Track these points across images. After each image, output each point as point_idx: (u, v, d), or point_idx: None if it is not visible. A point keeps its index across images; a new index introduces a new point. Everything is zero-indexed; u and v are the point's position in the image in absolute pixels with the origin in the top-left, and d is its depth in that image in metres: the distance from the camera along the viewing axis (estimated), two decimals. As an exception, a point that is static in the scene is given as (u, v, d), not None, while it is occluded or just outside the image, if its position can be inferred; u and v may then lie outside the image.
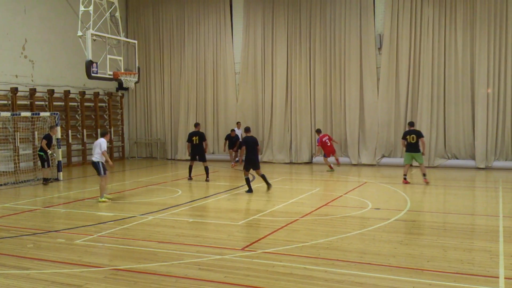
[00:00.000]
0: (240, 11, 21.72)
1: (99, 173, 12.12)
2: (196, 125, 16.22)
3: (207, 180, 15.46)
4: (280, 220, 9.76)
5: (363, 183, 15.08)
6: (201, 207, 11.48)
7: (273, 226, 9.24)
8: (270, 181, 13.55)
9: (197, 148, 15.54)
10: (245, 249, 7.69)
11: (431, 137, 18.56)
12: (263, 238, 8.35)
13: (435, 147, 18.71)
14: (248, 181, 13.19)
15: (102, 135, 12.39)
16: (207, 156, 16.24)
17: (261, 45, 21.28)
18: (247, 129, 13.73)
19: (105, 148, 12.06)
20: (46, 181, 14.99)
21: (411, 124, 14.85)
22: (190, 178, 15.81)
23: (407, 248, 7.69)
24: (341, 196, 12.67)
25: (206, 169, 15.70)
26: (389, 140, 19.37)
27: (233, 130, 20.22)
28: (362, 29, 19.55)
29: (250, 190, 13.01)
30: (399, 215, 10.13)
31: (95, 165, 12.09)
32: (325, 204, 11.39)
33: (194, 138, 15.56)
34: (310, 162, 20.50)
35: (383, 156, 19.55)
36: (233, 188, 14.15)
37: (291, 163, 20.76)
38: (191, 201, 12.06)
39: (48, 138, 14.96)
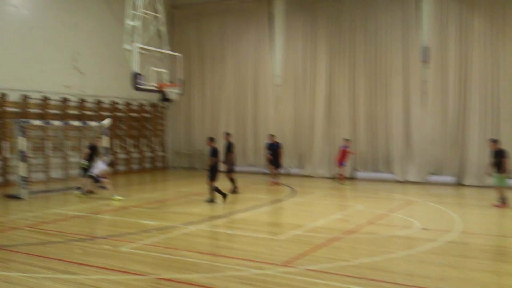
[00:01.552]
0: (281, 24, 21.85)
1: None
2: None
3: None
4: (322, 236, 9.67)
5: (410, 201, 14.67)
6: (241, 219, 11.54)
7: (315, 242, 9.16)
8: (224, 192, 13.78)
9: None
10: (286, 264, 7.67)
11: (483, 155, 17.47)
12: (304, 254, 8.30)
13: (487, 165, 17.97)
14: (217, 190, 13.53)
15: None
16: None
17: (301, 57, 21.31)
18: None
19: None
20: (79, 189, 14.91)
21: (495, 141, 13.80)
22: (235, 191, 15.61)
23: (457, 272, 7.42)
24: (386, 214, 12.40)
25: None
26: (437, 157, 18.81)
27: (271, 136, 18.87)
28: (406, 41, 19.24)
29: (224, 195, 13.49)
30: (449, 236, 9.74)
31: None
32: (369, 222, 11.18)
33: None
34: (352, 178, 20.25)
35: (431, 174, 19.04)
36: (273, 201, 14.15)
37: (332, 178, 20.56)
38: (231, 213, 12.14)
39: (93, 148, 15.15)
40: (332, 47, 20.65)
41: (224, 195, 13.48)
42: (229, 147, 15.76)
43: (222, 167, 15.27)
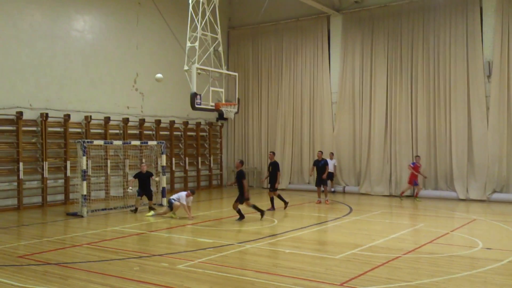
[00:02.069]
0: (338, 41, 21.71)
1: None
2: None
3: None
4: (380, 256, 9.34)
5: (472, 220, 14.04)
6: (297, 238, 11.36)
7: (373, 262, 8.86)
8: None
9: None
10: (344, 284, 7.44)
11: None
12: (362, 274, 8.04)
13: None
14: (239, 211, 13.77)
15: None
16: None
17: (359, 74, 21.04)
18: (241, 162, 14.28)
19: None
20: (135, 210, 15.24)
21: None
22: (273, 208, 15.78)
23: (525, 294, 6.99)
24: (448, 233, 11.87)
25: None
26: (501, 174, 17.91)
27: (320, 152, 18.19)
28: (469, 56, 18.59)
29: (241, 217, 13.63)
30: (514, 256, 9.25)
31: None
32: (430, 241, 10.73)
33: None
34: (412, 196, 19.58)
35: (494, 192, 18.08)
36: (330, 220, 13.88)
37: (390, 195, 19.98)
38: (287, 231, 11.99)
39: (138, 176, 15.13)
40: (391, 63, 20.29)
41: (261, 212, 13.72)
42: (275, 166, 15.80)
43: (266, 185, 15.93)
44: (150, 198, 15.15)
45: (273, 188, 15.63)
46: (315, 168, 17.59)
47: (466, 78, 18.63)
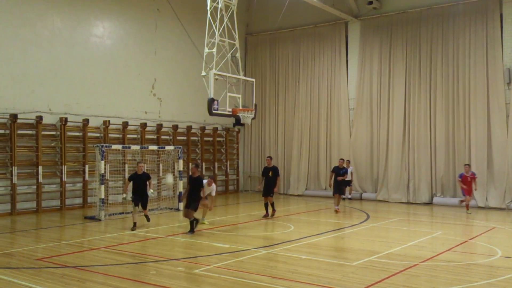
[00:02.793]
0: (356, 47, 21.64)
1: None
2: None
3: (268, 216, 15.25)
4: (398, 263, 9.25)
5: (491, 228, 13.81)
6: (314, 244, 11.31)
7: (390, 269, 8.77)
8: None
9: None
10: (361, 291, 7.39)
11: None
12: (379, 281, 7.96)
13: None
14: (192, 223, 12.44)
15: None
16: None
17: (377, 80, 20.93)
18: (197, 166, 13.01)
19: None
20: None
21: None
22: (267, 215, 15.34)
23: (547, 305, 6.84)
24: (466, 241, 11.71)
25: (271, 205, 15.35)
26: (521, 182, 17.67)
27: (341, 160, 17.90)
28: (488, 63, 18.38)
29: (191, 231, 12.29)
30: (535, 266, 9.07)
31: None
32: (448, 249, 10.59)
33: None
34: (429, 203, 19.37)
35: (514, 200, 17.83)
36: (346, 226, 13.78)
37: (408, 203, 19.78)
38: (303, 238, 11.94)
39: (132, 178, 13.30)
40: (409, 69, 20.16)
41: (192, 226, 12.33)
42: (276, 171, 15.57)
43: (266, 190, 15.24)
44: (144, 206, 13.24)
45: (272, 193, 15.22)
46: (333, 174, 16.96)
47: (485, 85, 18.42)
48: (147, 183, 13.17)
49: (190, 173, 12.99)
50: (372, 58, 21.09)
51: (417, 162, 19.74)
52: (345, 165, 18.54)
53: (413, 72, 20.08)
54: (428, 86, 19.72)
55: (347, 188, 19.37)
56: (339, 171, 16.80)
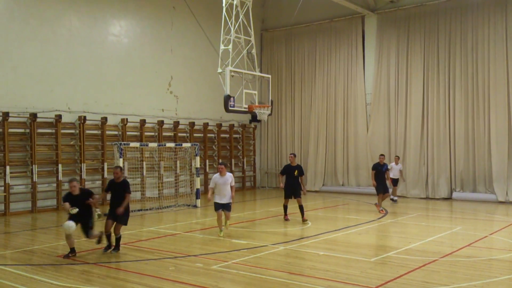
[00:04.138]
0: (373, 41, 21.45)
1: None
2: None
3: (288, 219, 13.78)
4: (416, 259, 9.18)
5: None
6: (331, 240, 11.28)
7: (409, 265, 8.71)
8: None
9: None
10: (380, 287, 7.34)
11: None
12: (398, 277, 7.91)
13: None
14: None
15: None
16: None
17: (394, 74, 20.73)
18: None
19: None
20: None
21: None
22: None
23: None
24: (486, 236, 11.54)
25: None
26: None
27: (382, 156, 16.34)
28: (508, 55, 18.06)
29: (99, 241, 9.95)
30: (558, 262, 8.92)
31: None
32: (468, 245, 10.47)
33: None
34: (449, 198, 19.15)
35: (535, 194, 17.54)
36: (364, 222, 13.71)
37: (427, 198, 19.58)
38: (321, 234, 11.91)
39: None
40: (427, 63, 19.92)
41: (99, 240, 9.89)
42: (300, 170, 13.78)
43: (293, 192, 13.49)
44: (86, 231, 9.67)
45: (300, 195, 13.51)
46: (374, 173, 15.69)
47: (506, 78, 18.13)
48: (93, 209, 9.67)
49: (113, 177, 9.91)
50: (390, 52, 20.88)
51: (436, 157, 19.52)
52: (393, 162, 18.02)
53: (431, 66, 19.83)
54: (447, 79, 19.48)
55: (393, 188, 17.59)
56: (380, 167, 15.75)
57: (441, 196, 19.31)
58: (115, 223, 9.94)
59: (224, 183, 11.25)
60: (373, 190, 20.69)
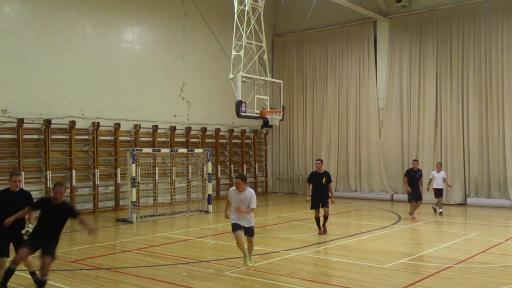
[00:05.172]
0: (385, 46, 21.37)
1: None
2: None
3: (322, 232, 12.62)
4: (431, 265, 9.09)
5: (528, 229, 13.47)
6: (344, 246, 11.21)
7: (423, 272, 8.63)
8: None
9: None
10: (393, 294, 7.28)
11: None
12: (412, 284, 7.83)
13: None
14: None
15: None
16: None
17: (407, 79, 20.61)
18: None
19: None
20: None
21: None
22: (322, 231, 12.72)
23: None
24: (501, 242, 11.38)
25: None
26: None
27: (415, 161, 15.56)
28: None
29: None
30: None
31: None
32: (483, 251, 10.34)
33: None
34: (463, 204, 18.94)
35: (551, 200, 17.28)
36: (378, 229, 13.60)
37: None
38: (333, 240, 11.84)
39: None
40: (440, 67, 19.79)
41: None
42: (329, 177, 12.72)
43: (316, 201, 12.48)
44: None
45: (328, 205, 12.52)
46: (407, 179, 15.05)
47: (521, 81, 17.95)
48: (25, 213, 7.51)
49: (53, 195, 7.32)
50: (402, 57, 20.79)
51: (450, 162, 19.35)
52: (435, 170, 16.29)
53: (444, 70, 19.70)
54: (460, 84, 19.33)
55: (438, 200, 16.13)
56: (414, 174, 15.04)
57: (455, 202, 19.10)
58: (37, 252, 7.27)
59: (241, 201, 8.69)
60: (387, 195, 20.73)
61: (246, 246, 8.93)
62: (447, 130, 19.53)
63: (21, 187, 7.76)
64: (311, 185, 12.69)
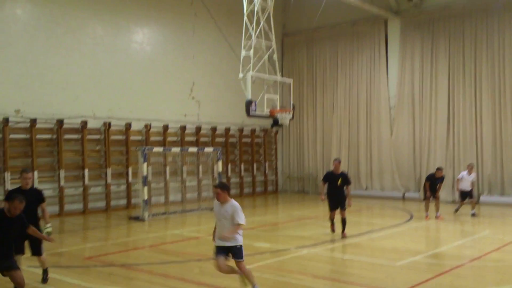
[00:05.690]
0: (396, 44, 21.25)
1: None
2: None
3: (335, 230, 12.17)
4: (444, 263, 9.05)
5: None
6: (356, 244, 11.19)
7: (436, 269, 8.59)
8: None
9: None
10: (406, 291, 7.27)
11: None
12: (425, 281, 7.79)
13: None
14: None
15: None
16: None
17: (419, 77, 20.48)
18: None
19: None
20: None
21: None
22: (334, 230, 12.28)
23: None
24: (515, 240, 11.33)
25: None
26: None
27: (439, 169, 15.08)
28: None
29: None
30: None
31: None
32: (496, 249, 10.24)
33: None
34: (476, 202, 18.77)
35: None
36: (389, 226, 13.56)
37: (453, 202, 19.24)
38: (345, 238, 11.80)
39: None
40: (453, 66, 19.59)
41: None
42: (346, 179, 12.09)
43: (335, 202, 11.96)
44: (37, 250, 7.72)
45: (344, 207, 11.92)
46: (428, 184, 14.74)
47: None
48: (39, 209, 7.75)
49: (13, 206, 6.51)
50: (414, 56, 20.66)
51: (463, 161, 19.17)
52: (466, 171, 15.40)
53: (457, 68, 19.54)
54: (473, 82, 19.16)
55: (471, 202, 15.39)
56: (435, 180, 14.74)
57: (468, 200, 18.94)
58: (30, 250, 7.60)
59: (222, 215, 7.00)
60: (398, 194, 20.62)
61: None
62: (460, 128, 19.37)
63: (34, 185, 7.85)
64: (326, 184, 12.07)
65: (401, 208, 17.73)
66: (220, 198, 6.98)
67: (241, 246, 7.06)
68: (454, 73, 19.58)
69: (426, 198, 14.93)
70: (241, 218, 6.93)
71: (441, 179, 14.92)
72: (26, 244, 7.53)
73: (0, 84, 15.12)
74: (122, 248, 10.52)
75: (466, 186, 15.22)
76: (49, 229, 7.54)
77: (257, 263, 9.08)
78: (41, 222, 7.71)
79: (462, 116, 19.34)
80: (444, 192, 19.39)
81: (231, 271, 7.13)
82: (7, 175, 14.72)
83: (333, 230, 12.18)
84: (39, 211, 7.73)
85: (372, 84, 21.88)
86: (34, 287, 7.70)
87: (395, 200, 20.15)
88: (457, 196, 17.02)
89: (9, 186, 14.54)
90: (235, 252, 7.04)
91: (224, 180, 19.70)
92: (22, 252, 7.50)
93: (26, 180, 7.57)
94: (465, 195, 15.28)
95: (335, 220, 12.11)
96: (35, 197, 7.57)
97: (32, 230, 6.87)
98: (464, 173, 15.46)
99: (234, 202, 7.03)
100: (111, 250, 10.44)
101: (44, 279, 7.88)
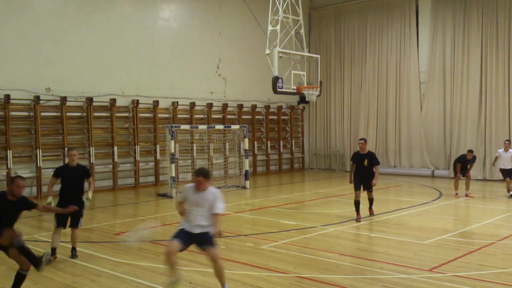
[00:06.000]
0: (427, 17, 20.65)
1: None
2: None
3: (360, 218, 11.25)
4: (473, 242, 8.92)
5: None
6: (383, 222, 11.12)
7: (465, 248, 8.47)
8: None
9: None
10: (433, 270, 7.19)
11: None
12: (453, 260, 7.71)
13: None
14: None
15: None
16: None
17: (450, 51, 19.92)
18: None
19: None
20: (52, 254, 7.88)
21: None
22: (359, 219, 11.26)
23: None
24: (548, 219, 11.07)
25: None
26: None
27: (470, 152, 14.70)
28: None
29: None
30: None
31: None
32: (528, 228, 10.08)
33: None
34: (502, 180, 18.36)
35: None
36: (418, 205, 13.41)
37: (484, 179, 18.88)
38: (371, 215, 11.73)
39: (59, 173, 8.17)
40: (486, 39, 19.03)
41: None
42: (373, 158, 11.49)
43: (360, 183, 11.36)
44: (75, 222, 8.11)
45: (371, 188, 11.39)
46: (460, 166, 14.52)
47: None
48: (85, 182, 8.29)
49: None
50: (445, 28, 20.06)
51: (494, 137, 18.72)
52: (502, 149, 14.88)
53: (490, 41, 18.92)
54: (507, 56, 18.54)
55: (507, 181, 14.74)
56: (465, 162, 14.52)
57: (499, 177, 18.49)
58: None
59: (199, 203, 6.32)
60: (428, 171, 20.28)
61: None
62: (492, 104, 18.85)
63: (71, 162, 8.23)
64: (354, 165, 11.52)
65: (430, 186, 17.48)
66: (201, 187, 6.28)
67: (211, 233, 6.35)
68: (487, 46, 18.97)
69: (455, 176, 14.71)
70: (220, 208, 6.32)
71: (472, 160, 14.62)
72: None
73: (31, 62, 15.38)
74: (150, 224, 10.69)
75: (505, 164, 14.66)
76: (89, 196, 8.21)
77: (283, 240, 9.14)
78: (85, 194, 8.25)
79: (494, 92, 18.80)
80: (474, 170, 19.04)
81: (174, 263, 6.27)
82: (39, 152, 15.10)
83: (358, 218, 11.10)
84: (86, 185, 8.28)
85: (402, 58, 21.40)
86: (64, 260, 7.94)
87: (424, 178, 19.87)
88: (488, 174, 16.64)
89: (41, 164, 14.93)
90: (206, 240, 6.33)
91: (251, 156, 19.69)
92: (63, 225, 8.02)
93: (72, 157, 8.13)
94: (506, 173, 14.66)
95: (361, 206, 11.32)
96: (81, 173, 8.24)
97: (43, 207, 6.85)
98: (501, 150, 14.92)
99: (215, 190, 6.43)
100: (140, 226, 10.63)
101: (73, 255, 8.20)
